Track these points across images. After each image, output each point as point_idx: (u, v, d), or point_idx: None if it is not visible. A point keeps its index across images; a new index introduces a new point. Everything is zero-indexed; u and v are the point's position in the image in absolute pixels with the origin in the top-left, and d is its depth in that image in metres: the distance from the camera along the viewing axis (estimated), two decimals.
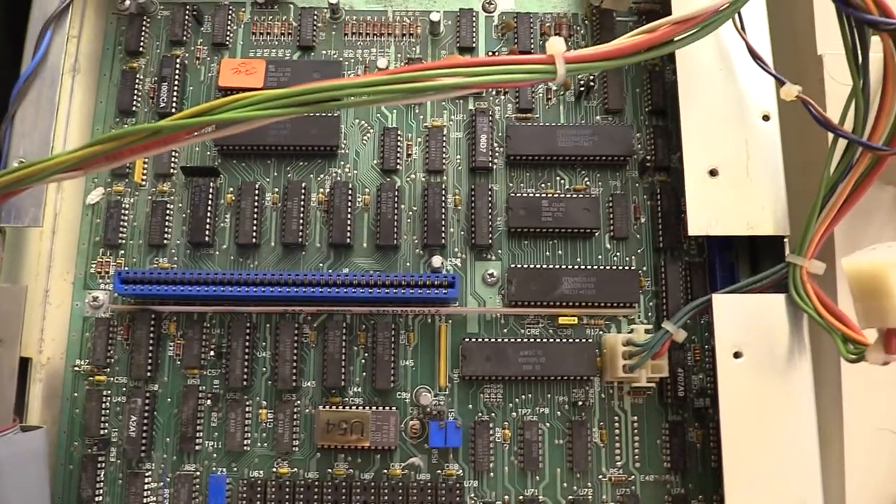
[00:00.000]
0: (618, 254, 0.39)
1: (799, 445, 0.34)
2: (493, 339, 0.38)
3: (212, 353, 0.38)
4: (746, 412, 0.34)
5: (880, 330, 0.28)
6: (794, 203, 0.36)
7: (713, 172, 0.36)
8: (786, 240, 0.36)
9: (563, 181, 0.40)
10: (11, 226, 0.37)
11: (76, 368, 0.38)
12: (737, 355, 0.34)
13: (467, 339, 0.38)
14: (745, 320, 0.34)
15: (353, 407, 0.37)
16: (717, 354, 0.34)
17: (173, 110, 0.41)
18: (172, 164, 0.40)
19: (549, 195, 0.39)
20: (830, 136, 0.33)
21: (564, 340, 0.38)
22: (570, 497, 0.37)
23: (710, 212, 0.36)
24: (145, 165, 0.40)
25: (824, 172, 0.33)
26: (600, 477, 0.37)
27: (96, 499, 0.37)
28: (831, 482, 0.35)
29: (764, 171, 0.36)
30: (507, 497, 0.37)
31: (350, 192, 0.39)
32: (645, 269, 0.39)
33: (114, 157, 0.29)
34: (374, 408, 0.37)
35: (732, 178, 0.36)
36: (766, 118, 0.37)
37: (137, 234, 0.40)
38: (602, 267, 0.39)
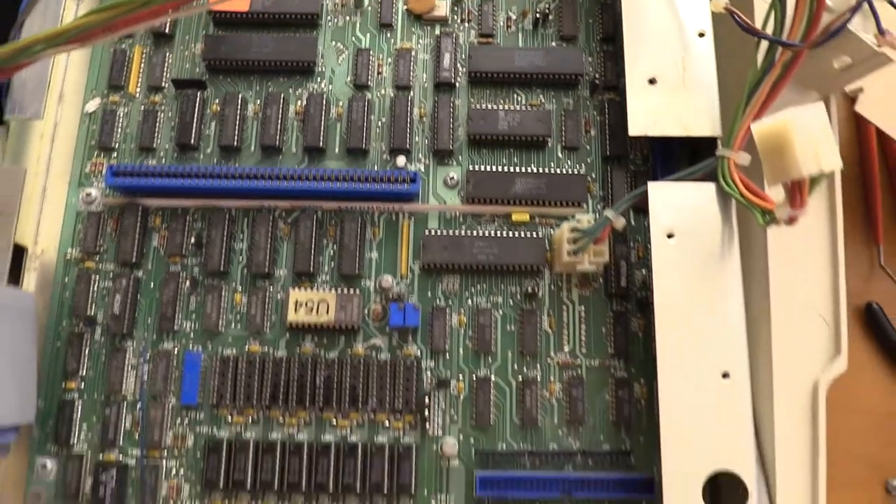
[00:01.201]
0: (568, 162, 0.43)
1: (728, 324, 0.36)
2: (451, 233, 0.41)
3: (192, 241, 0.41)
4: (678, 290, 0.37)
5: (785, 186, 0.32)
6: (727, 110, 0.40)
7: (652, 81, 0.40)
8: (718, 141, 0.39)
9: (519, 98, 0.44)
10: (15, 118, 0.41)
11: (67, 257, 0.42)
12: (670, 236, 0.37)
13: (428, 232, 0.41)
14: (678, 205, 0.38)
15: (321, 291, 0.40)
16: (651, 235, 0.37)
17: (165, 31, 0.45)
18: (164, 78, 0.44)
19: (507, 108, 0.43)
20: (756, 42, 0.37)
21: (517, 235, 0.41)
22: (521, 378, 0.40)
23: (649, 115, 0.40)
24: (140, 78, 0.44)
25: (749, 72, 0.37)
26: (548, 360, 0.40)
27: (80, 372, 0.40)
28: (759, 360, 0.38)
29: (699, 81, 0.40)
30: (461, 376, 0.40)
31: (325, 103, 0.43)
32: (593, 175, 0.43)
33: (109, 29, 0.33)
34: (339, 290, 0.40)
35: (670, 86, 0.40)
36: (701, 35, 0.41)
37: (130, 139, 0.43)
38: (554, 171, 0.42)
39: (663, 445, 0.35)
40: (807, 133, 0.31)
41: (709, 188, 0.38)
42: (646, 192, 0.38)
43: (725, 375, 0.36)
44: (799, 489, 0.37)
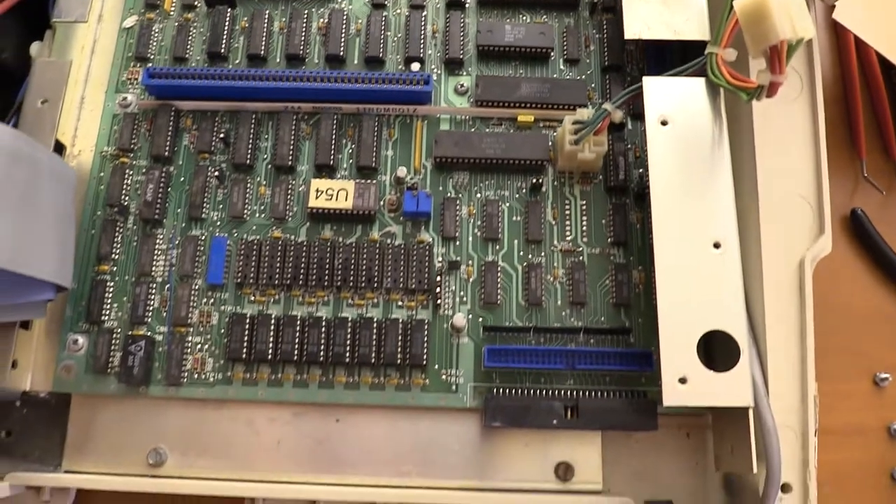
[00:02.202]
0: (570, 74, 0.46)
1: (718, 200, 0.39)
2: (461, 130, 0.44)
3: (221, 137, 0.44)
4: (671, 170, 0.39)
5: (765, 53, 0.35)
6: (714, 16, 0.43)
7: None
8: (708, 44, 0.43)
9: (524, 18, 0.48)
10: (62, 21, 0.44)
11: (103, 154, 0.45)
12: (664, 123, 0.40)
13: (440, 130, 0.44)
14: (671, 97, 0.41)
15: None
16: (646, 122, 0.40)
17: None
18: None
19: (513, 23, 0.46)
20: None
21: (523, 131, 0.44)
22: (525, 263, 0.43)
23: (643, 21, 0.43)
24: None
25: None
26: (552, 248, 0.43)
27: (113, 256, 0.43)
28: (749, 239, 0.40)
29: None
30: (470, 262, 0.43)
31: (345, 20, 0.47)
32: (593, 85, 0.46)
33: None
34: (356, 183, 0.43)
35: None
36: None
37: (164, 51, 0.47)
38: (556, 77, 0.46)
39: (660, 307, 0.37)
40: (782, 2, 0.34)
41: (699, 82, 0.41)
42: (641, 88, 0.41)
43: (717, 246, 0.38)
44: (789, 354, 0.39)
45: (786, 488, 0.38)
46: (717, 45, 0.40)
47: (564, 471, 0.40)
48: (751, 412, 0.37)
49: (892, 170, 0.49)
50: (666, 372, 0.36)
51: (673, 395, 0.36)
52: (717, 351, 0.38)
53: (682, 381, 0.36)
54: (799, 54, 0.42)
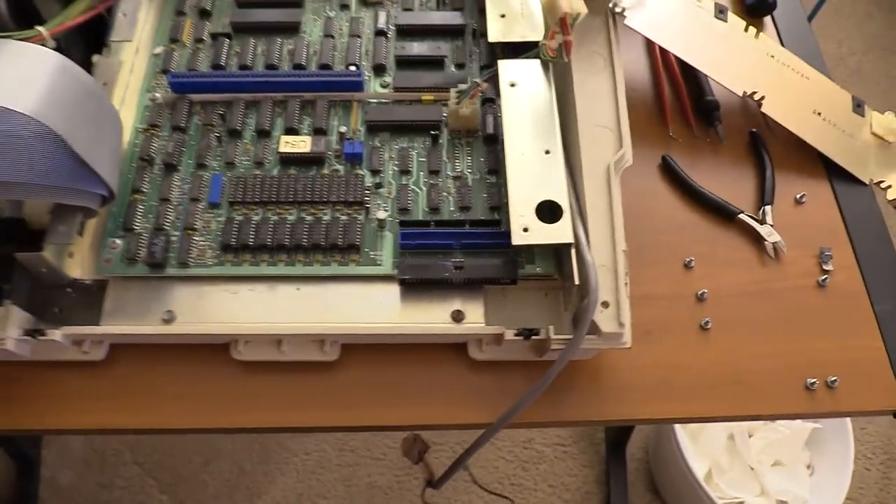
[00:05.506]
0: (458, 72, 0.68)
1: (547, 126, 0.59)
2: (387, 106, 0.65)
3: (220, 114, 0.65)
4: (518, 113, 0.60)
5: (557, 25, 0.57)
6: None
7: (503, 15, 0.67)
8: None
9: (428, 39, 0.70)
10: (115, 41, 0.66)
11: (138, 129, 0.65)
12: (512, 85, 0.62)
13: (370, 105, 0.65)
14: (517, 69, 0.62)
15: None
16: (500, 84, 0.61)
17: None
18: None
19: (419, 42, 0.69)
20: None
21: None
22: (428, 185, 0.62)
23: (501, 33, 0.66)
24: (191, 32, 0.71)
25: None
26: (446, 176, 0.63)
27: (143, 189, 0.62)
28: (573, 152, 0.60)
29: (530, 13, 0.67)
30: (390, 185, 0.62)
31: (306, 44, 0.69)
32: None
33: None
34: (313, 137, 0.63)
35: (513, 18, 0.67)
36: None
37: (181, 67, 0.68)
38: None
39: (509, 186, 0.56)
40: None
41: (535, 61, 0.63)
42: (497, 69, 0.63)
43: (547, 152, 0.58)
44: (603, 225, 0.57)
45: (605, 305, 0.55)
46: (544, 38, 0.63)
47: (457, 315, 0.57)
48: (573, 248, 0.55)
49: (689, 131, 0.71)
50: (514, 224, 0.55)
51: (519, 238, 0.55)
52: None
53: (525, 230, 0.55)
54: (602, 42, 0.64)
